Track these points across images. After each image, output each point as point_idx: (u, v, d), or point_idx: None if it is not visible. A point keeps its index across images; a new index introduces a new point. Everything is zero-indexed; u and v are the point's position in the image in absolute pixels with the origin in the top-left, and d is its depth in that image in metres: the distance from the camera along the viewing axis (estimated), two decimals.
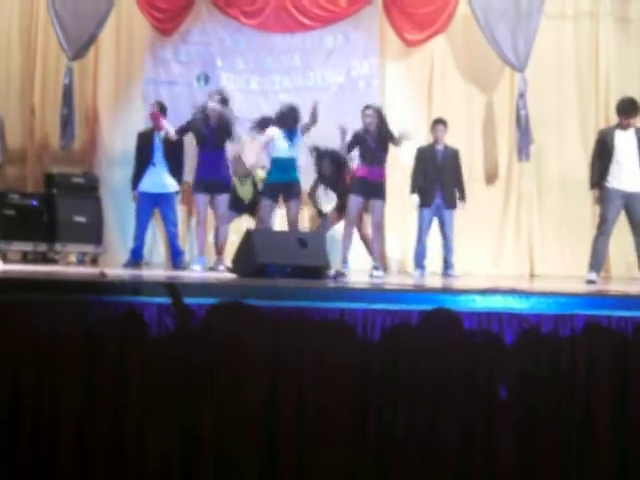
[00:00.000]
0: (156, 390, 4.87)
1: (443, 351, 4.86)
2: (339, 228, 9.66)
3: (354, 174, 9.38)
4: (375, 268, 9.13)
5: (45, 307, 4.90)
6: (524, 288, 5.56)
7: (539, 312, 4.91)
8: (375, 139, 9.17)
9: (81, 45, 10.62)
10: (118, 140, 11.02)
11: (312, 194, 9.97)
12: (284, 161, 9.22)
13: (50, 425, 4.82)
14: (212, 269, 9.32)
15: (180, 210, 10.47)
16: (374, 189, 9.11)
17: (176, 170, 9.90)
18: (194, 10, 10.84)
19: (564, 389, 4.83)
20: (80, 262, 10.43)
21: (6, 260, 9.37)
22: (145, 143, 9.96)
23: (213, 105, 9.33)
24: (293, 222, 9.35)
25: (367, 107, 9.35)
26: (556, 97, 11.03)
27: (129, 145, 10.32)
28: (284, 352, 4.88)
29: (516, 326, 4.88)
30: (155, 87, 10.92)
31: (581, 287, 7.60)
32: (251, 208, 9.86)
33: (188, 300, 4.96)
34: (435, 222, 9.90)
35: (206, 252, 9.61)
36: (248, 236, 7.63)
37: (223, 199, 9.46)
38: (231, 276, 7.81)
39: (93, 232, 10.48)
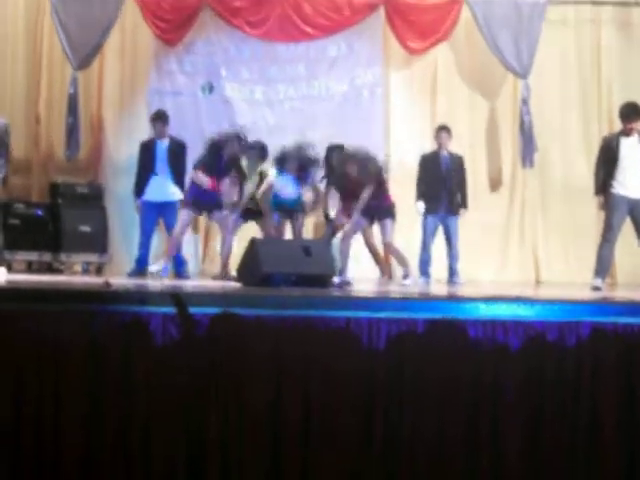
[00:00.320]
0: (161, 399, 4.87)
1: (449, 358, 4.86)
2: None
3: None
4: (405, 277, 9.07)
5: (50, 317, 4.90)
6: (529, 295, 5.57)
7: (544, 319, 4.91)
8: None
9: (86, 55, 10.63)
10: (123, 149, 11.03)
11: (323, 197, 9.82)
12: (288, 201, 9.27)
13: (55, 434, 4.83)
14: (217, 278, 9.31)
15: None
16: (381, 212, 9.04)
17: (179, 179, 9.91)
18: (198, 20, 10.84)
19: (570, 395, 4.83)
20: (85, 271, 10.42)
21: (11, 270, 9.37)
22: (148, 152, 9.98)
23: (232, 152, 9.26)
24: (298, 234, 9.36)
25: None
26: (559, 103, 11.04)
27: (134, 154, 10.34)
28: (289, 361, 4.88)
29: (521, 333, 4.87)
30: (160, 97, 10.91)
31: (586, 294, 7.60)
32: (256, 215, 9.77)
33: (193, 309, 4.96)
34: (440, 229, 9.88)
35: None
36: (252, 245, 7.63)
37: (221, 214, 9.32)
38: (236, 285, 7.82)
39: (98, 241, 10.45)
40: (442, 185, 9.79)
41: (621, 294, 8.35)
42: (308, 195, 9.35)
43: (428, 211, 9.78)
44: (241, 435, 4.85)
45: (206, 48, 10.99)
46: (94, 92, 11.15)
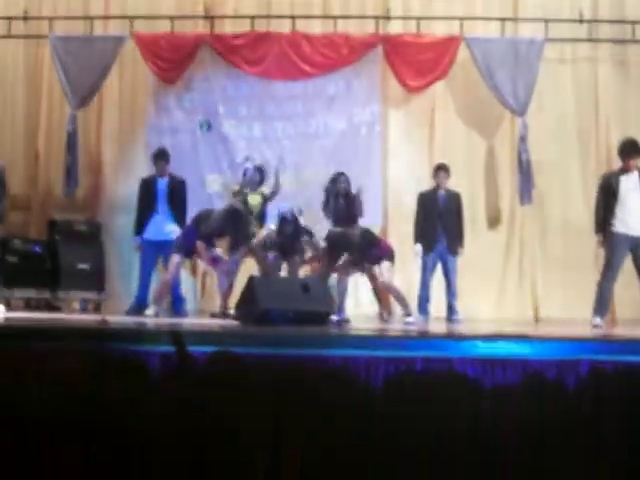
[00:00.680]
0: (158, 438, 4.84)
1: (447, 397, 4.83)
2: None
3: None
4: (407, 315, 9.05)
5: (47, 354, 4.88)
6: (528, 333, 5.55)
7: (543, 357, 4.89)
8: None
9: (85, 94, 10.70)
10: (121, 187, 11.06)
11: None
12: None
13: (52, 473, 4.79)
14: (215, 316, 9.28)
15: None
16: (379, 259, 9.05)
17: (179, 217, 9.90)
18: (197, 58, 10.90)
19: (570, 435, 4.79)
20: (83, 309, 10.39)
21: (9, 307, 9.35)
22: (149, 190, 9.98)
23: (236, 206, 9.29)
24: (294, 274, 9.34)
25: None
26: (557, 141, 11.08)
27: (132, 192, 10.35)
28: (287, 400, 4.85)
29: (520, 371, 4.85)
30: (158, 134, 10.95)
31: (586, 331, 7.58)
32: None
33: (190, 347, 4.94)
34: (439, 267, 9.87)
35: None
36: (250, 282, 7.63)
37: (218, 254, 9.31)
38: (234, 323, 7.80)
39: (96, 279, 10.44)
40: (439, 223, 9.78)
41: (621, 331, 8.34)
42: (307, 254, 9.38)
43: (426, 249, 9.76)
44: (237, 473, 4.81)
45: (204, 85, 11.04)
46: (93, 130, 11.22)
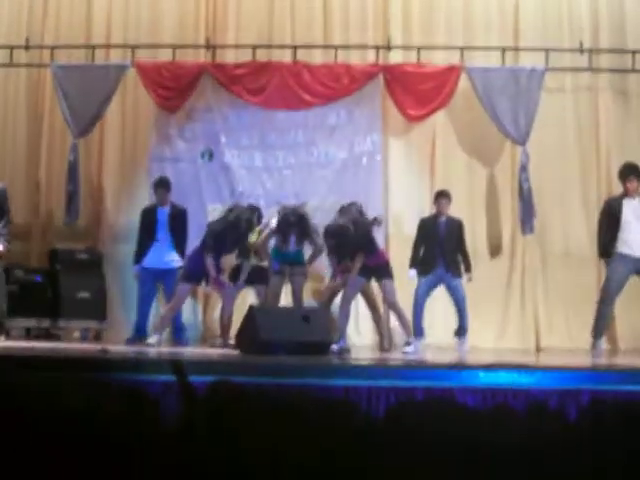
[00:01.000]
0: (158, 468, 4.81)
1: (448, 427, 4.80)
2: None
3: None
4: (407, 344, 9.04)
5: (46, 384, 4.86)
6: (529, 363, 5.53)
7: (545, 387, 4.87)
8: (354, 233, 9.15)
9: (87, 123, 10.69)
10: (123, 216, 11.05)
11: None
12: (288, 255, 9.29)
13: None
14: (216, 345, 9.26)
15: None
16: (376, 271, 9.08)
17: (180, 245, 9.92)
18: (198, 88, 10.91)
19: (572, 465, 4.76)
20: (84, 338, 10.36)
21: (9, 336, 9.34)
22: (149, 219, 10.00)
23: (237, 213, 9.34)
24: (297, 295, 9.33)
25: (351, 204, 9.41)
26: (558, 170, 11.08)
27: (134, 221, 10.37)
28: (287, 430, 4.82)
29: (522, 401, 4.82)
30: (159, 163, 10.94)
31: (587, 361, 7.56)
32: (254, 280, 9.70)
33: (191, 377, 4.92)
34: (435, 291, 9.82)
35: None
36: (251, 312, 7.62)
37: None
38: (235, 352, 7.78)
39: (97, 308, 10.41)
40: (439, 250, 9.74)
41: (622, 361, 8.31)
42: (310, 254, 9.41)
43: (421, 272, 9.69)
44: None
45: (206, 115, 11.04)
46: (94, 158, 11.22)
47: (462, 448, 4.76)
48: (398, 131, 11.15)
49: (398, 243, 10.73)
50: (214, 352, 8.38)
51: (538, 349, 10.68)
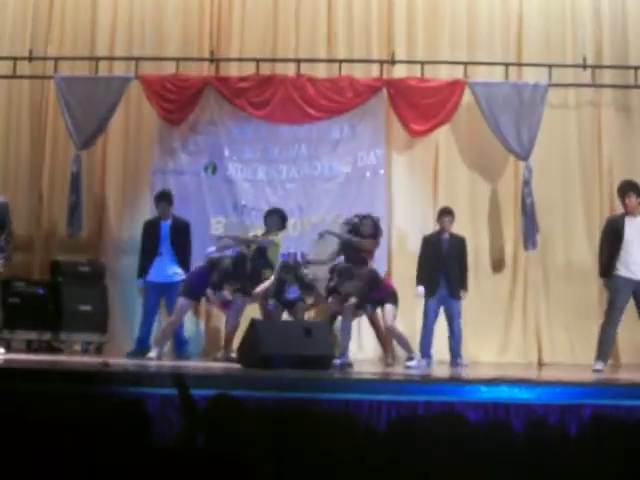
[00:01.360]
0: None
1: (448, 441, 4.78)
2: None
3: None
4: (409, 359, 9.04)
5: (46, 397, 4.85)
6: (531, 378, 5.52)
7: (546, 402, 4.85)
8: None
9: (90, 134, 10.70)
10: (125, 228, 11.05)
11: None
12: (288, 300, 9.29)
13: None
14: (218, 359, 9.23)
15: None
16: (381, 300, 9.08)
17: (183, 259, 9.90)
18: (202, 101, 10.91)
19: (572, 478, 4.74)
20: (85, 351, 10.32)
21: (10, 349, 9.32)
22: (152, 232, 9.98)
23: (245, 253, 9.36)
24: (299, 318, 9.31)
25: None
26: (561, 185, 11.09)
27: (136, 233, 10.37)
28: (288, 444, 4.81)
29: (523, 416, 4.81)
30: (162, 176, 10.93)
31: (588, 376, 7.54)
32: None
33: (192, 391, 4.91)
34: (442, 310, 9.82)
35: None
36: (253, 326, 7.60)
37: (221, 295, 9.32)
38: (236, 366, 7.76)
39: (98, 321, 10.37)
40: (442, 267, 9.74)
41: (624, 376, 8.29)
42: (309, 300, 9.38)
43: (428, 294, 9.72)
44: None
45: (209, 128, 11.04)
46: (97, 170, 11.23)
47: (463, 461, 4.75)
48: (401, 146, 11.16)
49: (401, 258, 10.73)
50: (216, 366, 8.36)
51: (540, 364, 10.67)
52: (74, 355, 9.78)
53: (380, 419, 4.87)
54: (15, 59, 10.97)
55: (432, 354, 9.73)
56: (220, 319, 10.27)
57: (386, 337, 9.59)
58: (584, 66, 10.87)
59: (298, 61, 11.02)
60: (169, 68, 11.00)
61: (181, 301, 9.22)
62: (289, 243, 10.27)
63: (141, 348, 9.54)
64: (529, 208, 10.55)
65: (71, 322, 10.21)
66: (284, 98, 10.87)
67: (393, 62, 11.09)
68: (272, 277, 9.18)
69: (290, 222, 10.48)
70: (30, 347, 10.16)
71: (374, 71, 11.10)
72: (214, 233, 10.57)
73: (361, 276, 8.99)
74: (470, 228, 10.74)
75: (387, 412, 4.89)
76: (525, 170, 10.62)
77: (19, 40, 11.34)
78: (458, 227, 10.13)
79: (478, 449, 4.67)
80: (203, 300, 9.85)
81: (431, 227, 10.43)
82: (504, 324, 10.95)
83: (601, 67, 11.08)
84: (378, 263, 10.02)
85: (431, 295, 9.68)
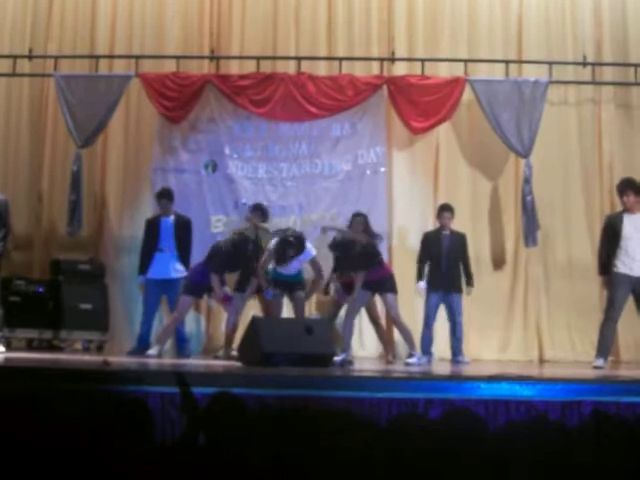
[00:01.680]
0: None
1: (450, 438, 4.78)
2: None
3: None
4: (410, 355, 9.06)
5: (46, 396, 4.85)
6: (531, 374, 5.52)
7: (547, 399, 4.85)
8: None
9: (90, 133, 10.69)
10: (126, 227, 11.04)
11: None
12: (288, 277, 9.25)
13: None
14: (219, 357, 9.24)
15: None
16: (380, 285, 9.06)
17: (184, 256, 9.91)
18: (202, 98, 10.91)
19: (573, 475, 4.74)
20: (86, 349, 10.32)
21: (10, 347, 9.32)
22: (153, 229, 9.99)
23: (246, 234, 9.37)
24: (299, 313, 9.28)
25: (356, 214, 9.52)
26: (561, 182, 11.10)
27: (137, 232, 10.37)
28: (289, 441, 4.81)
29: (523, 413, 4.81)
30: (163, 174, 10.93)
31: (589, 373, 7.54)
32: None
33: (192, 389, 4.91)
34: (442, 307, 9.83)
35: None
36: (253, 324, 7.59)
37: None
38: (237, 364, 7.76)
39: (99, 319, 10.37)
40: (443, 264, 9.76)
41: (624, 373, 8.29)
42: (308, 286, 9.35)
43: (430, 290, 9.73)
44: None
45: (210, 126, 11.03)
46: (97, 169, 11.22)
47: (464, 456, 4.75)
48: (402, 144, 11.15)
49: (401, 255, 10.73)
50: (217, 364, 8.36)
51: (541, 361, 10.67)
52: (75, 354, 9.78)
53: (381, 416, 4.87)
54: (15, 57, 10.97)
55: (433, 351, 9.75)
56: (221, 317, 10.26)
57: (387, 334, 9.60)
58: (584, 63, 10.86)
59: (298, 59, 11.02)
60: (169, 66, 11.00)
61: (184, 298, 9.26)
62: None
63: (142, 346, 9.55)
64: (529, 205, 10.54)
65: (71, 320, 10.21)
66: (284, 96, 10.86)
67: (393, 60, 11.09)
68: (269, 247, 9.10)
69: (290, 220, 10.50)
70: (30, 346, 10.17)
71: (374, 69, 11.10)
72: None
73: (358, 245, 8.97)
74: (471, 225, 10.74)
75: (387, 409, 4.89)
76: (525, 167, 10.62)
77: (19, 38, 11.35)
78: (459, 224, 10.14)
79: (480, 444, 4.68)
80: (204, 298, 9.87)
81: (431, 224, 10.44)
82: (505, 321, 10.95)
83: (601, 64, 11.08)
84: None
85: (432, 291, 9.69)
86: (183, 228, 10.01)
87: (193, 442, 4.79)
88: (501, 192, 11.13)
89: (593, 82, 11.00)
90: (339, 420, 4.83)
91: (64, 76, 10.80)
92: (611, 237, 8.67)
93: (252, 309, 9.55)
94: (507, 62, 10.89)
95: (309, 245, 9.11)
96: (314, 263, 9.16)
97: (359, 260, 8.92)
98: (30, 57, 11.04)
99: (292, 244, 8.88)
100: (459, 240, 9.94)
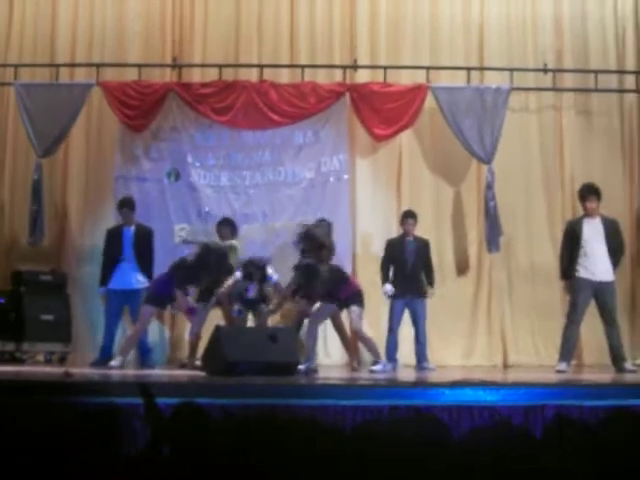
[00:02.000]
0: None
1: (414, 445, 4.78)
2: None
3: None
4: (375, 363, 9.06)
5: (8, 409, 4.79)
6: (494, 380, 5.53)
7: (510, 404, 4.87)
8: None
9: (51, 142, 10.61)
10: (87, 236, 10.95)
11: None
12: (251, 300, 9.26)
13: None
14: (183, 366, 9.19)
15: None
16: (348, 299, 9.05)
17: (146, 266, 9.84)
18: (164, 107, 10.86)
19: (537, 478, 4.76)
20: (48, 361, 10.23)
21: None
22: (115, 239, 9.93)
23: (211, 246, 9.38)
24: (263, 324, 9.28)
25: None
26: (523, 188, 11.17)
27: (98, 241, 10.29)
28: (254, 451, 4.79)
29: (487, 418, 4.82)
30: (125, 183, 10.86)
31: (552, 377, 7.58)
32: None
33: (157, 399, 4.87)
34: (407, 314, 9.84)
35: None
36: (217, 333, 7.56)
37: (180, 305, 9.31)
38: (201, 374, 7.72)
39: (61, 330, 10.28)
40: (407, 270, 9.78)
41: (586, 376, 8.35)
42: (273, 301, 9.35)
43: (394, 295, 9.74)
44: None
45: (172, 134, 10.98)
46: (59, 178, 11.13)
47: (428, 463, 4.75)
48: (365, 151, 11.17)
49: (365, 262, 10.74)
50: (180, 374, 8.32)
51: (506, 366, 10.72)
52: (37, 365, 9.68)
53: (345, 424, 4.85)
54: None
55: (397, 358, 9.76)
56: (184, 327, 10.21)
57: (351, 342, 9.59)
58: (545, 70, 10.95)
59: (261, 66, 11.01)
60: (131, 74, 10.94)
61: (145, 309, 9.18)
62: (253, 248, 10.28)
63: (105, 357, 9.48)
64: (492, 211, 10.60)
65: (33, 332, 10.11)
66: (247, 104, 10.84)
67: (356, 67, 11.11)
68: (236, 275, 9.17)
69: (254, 228, 10.48)
70: None
71: (337, 76, 11.11)
72: (180, 237, 10.56)
73: (325, 274, 8.94)
74: (434, 231, 10.78)
75: (352, 417, 4.88)
76: (488, 174, 10.67)
77: None
78: (422, 231, 10.17)
79: (445, 451, 4.68)
80: (168, 308, 9.81)
81: (395, 231, 10.46)
82: (469, 327, 10.99)
83: (562, 71, 11.18)
84: (342, 266, 10.01)
85: (397, 297, 9.70)
86: (144, 238, 9.94)
87: (157, 452, 4.75)
88: (464, 198, 11.18)
89: (554, 89, 11.09)
90: (304, 428, 4.81)
91: (24, 85, 10.72)
92: (572, 242, 8.76)
93: (216, 319, 9.50)
94: (469, 69, 10.95)
95: (271, 270, 9.16)
96: (277, 286, 9.22)
97: (322, 288, 8.92)
98: None
99: (254, 275, 8.97)
100: (423, 246, 9.98)
